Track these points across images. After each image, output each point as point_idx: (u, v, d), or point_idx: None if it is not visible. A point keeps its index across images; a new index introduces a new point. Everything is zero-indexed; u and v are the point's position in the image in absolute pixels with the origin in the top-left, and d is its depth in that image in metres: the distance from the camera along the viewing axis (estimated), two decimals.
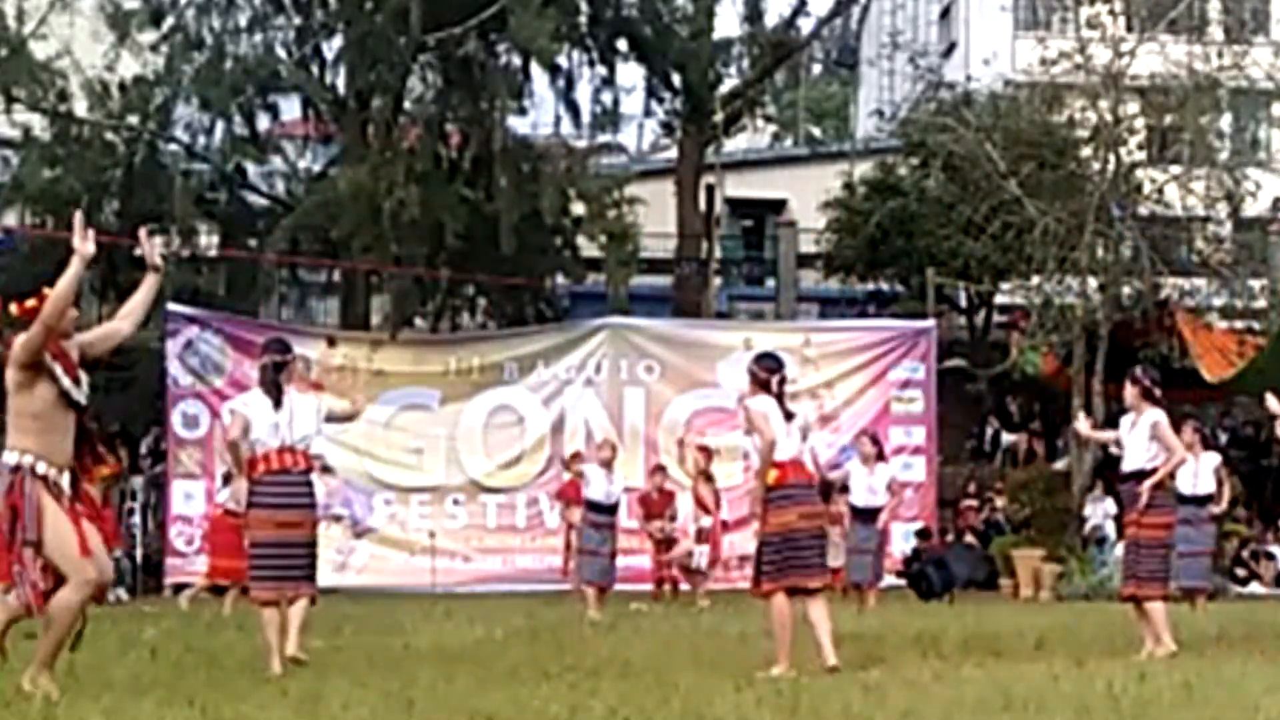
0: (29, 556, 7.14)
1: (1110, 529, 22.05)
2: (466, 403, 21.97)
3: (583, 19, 26.35)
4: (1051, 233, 22.46)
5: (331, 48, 25.73)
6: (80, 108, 25.29)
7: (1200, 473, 15.61)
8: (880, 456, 17.60)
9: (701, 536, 17.90)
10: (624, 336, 22.10)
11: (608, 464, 17.01)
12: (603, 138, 29.06)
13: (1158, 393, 10.78)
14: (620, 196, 25.63)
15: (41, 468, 7.18)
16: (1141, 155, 23.96)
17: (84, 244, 7.37)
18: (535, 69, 25.84)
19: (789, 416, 9.17)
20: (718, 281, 31.37)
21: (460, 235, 22.87)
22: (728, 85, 29.20)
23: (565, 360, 22.02)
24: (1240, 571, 20.87)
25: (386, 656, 9.82)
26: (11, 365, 7.29)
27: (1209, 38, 24.56)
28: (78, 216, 7.54)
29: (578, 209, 25.29)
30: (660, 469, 19.55)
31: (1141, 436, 10.52)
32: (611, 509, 16.85)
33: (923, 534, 20.73)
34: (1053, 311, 22.77)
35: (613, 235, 24.84)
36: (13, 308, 7.49)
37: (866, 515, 17.10)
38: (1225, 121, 25.26)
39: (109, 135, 25.50)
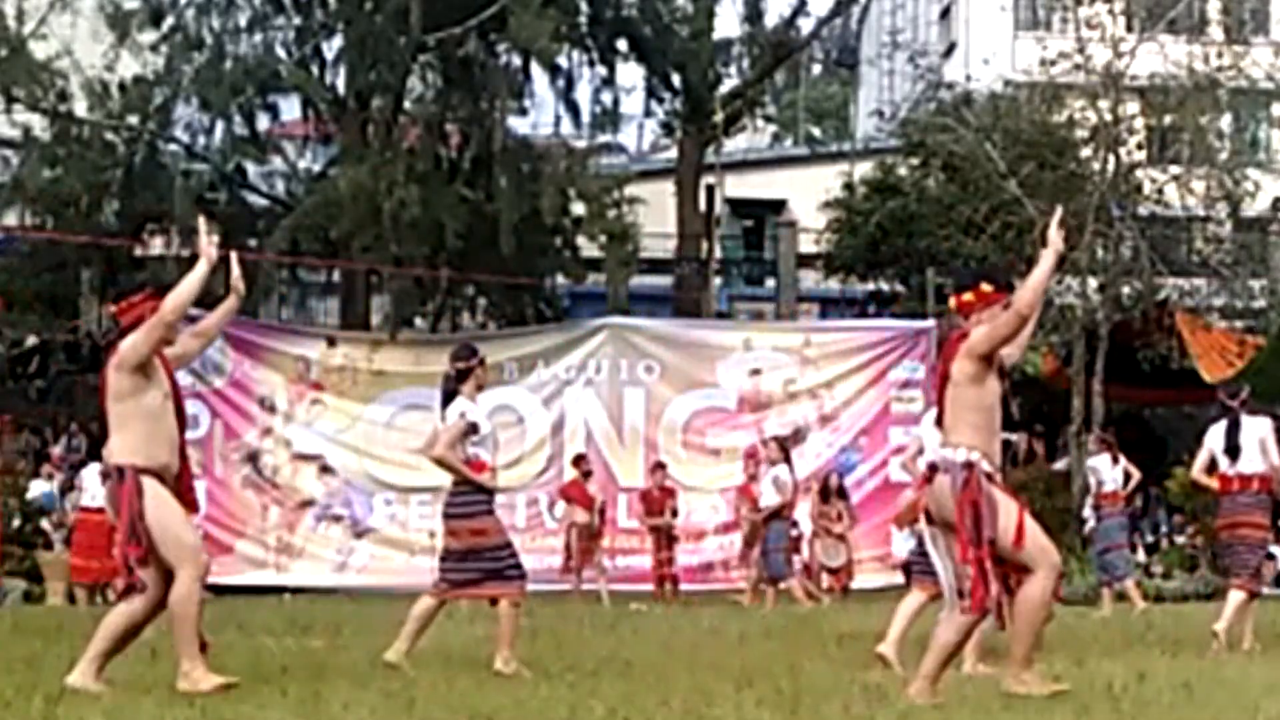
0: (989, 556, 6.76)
1: None
2: None
3: (583, 19, 26.38)
4: None
5: (331, 48, 25.78)
6: (80, 108, 25.30)
7: (1118, 476, 16.56)
8: (787, 460, 17.78)
9: None
10: (624, 336, 22.08)
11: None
12: (603, 138, 29.09)
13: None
14: (620, 196, 25.66)
15: (986, 465, 6.85)
16: (1141, 155, 23.95)
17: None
18: (535, 69, 25.87)
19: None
20: (718, 281, 31.38)
21: (460, 235, 22.88)
22: (728, 85, 29.22)
23: (565, 360, 22.00)
24: None
25: None
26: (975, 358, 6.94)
27: (1209, 38, 24.57)
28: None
29: (578, 209, 25.31)
30: (660, 466, 19.55)
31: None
32: None
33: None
34: (1053, 311, 22.76)
35: (613, 235, 24.86)
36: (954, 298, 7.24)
37: (774, 515, 17.40)
38: (1225, 121, 25.25)
39: (109, 135, 25.51)
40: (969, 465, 6.80)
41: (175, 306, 7.43)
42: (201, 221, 8.07)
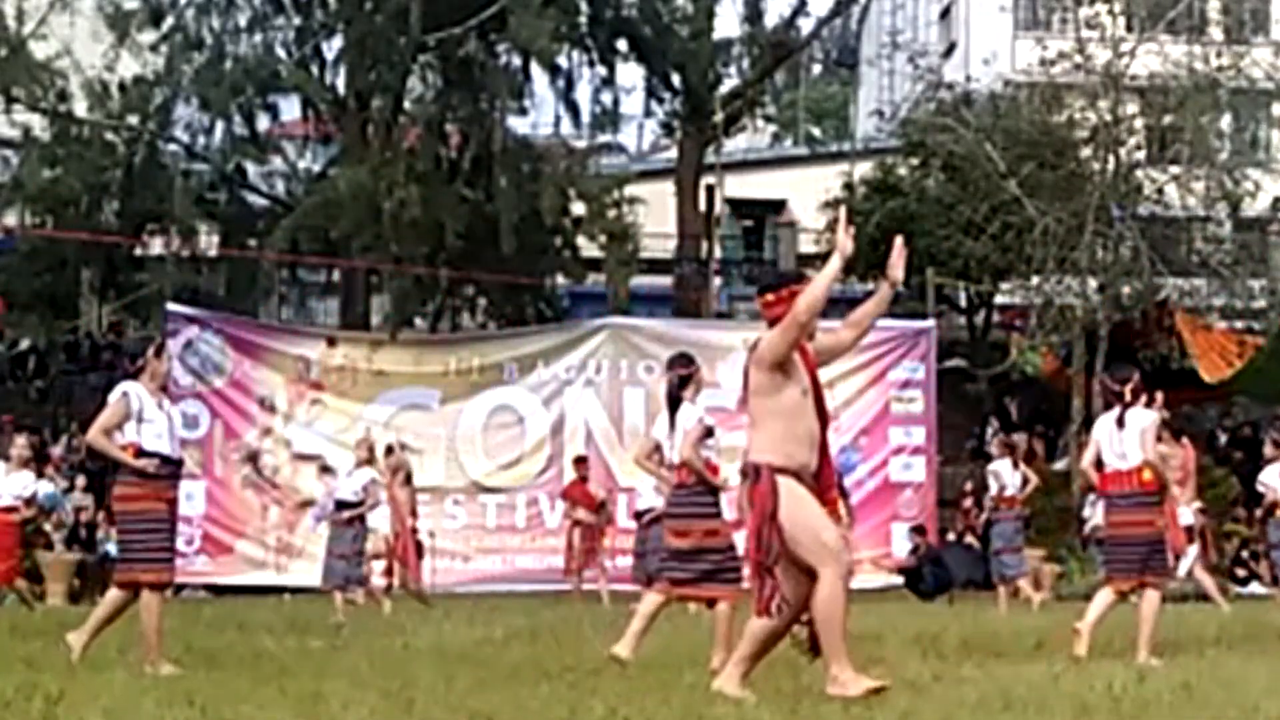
0: None
1: None
2: (466, 403, 21.96)
3: (583, 19, 26.37)
4: (1051, 233, 22.47)
5: (331, 48, 25.79)
6: (80, 108, 25.31)
7: (1017, 480, 17.03)
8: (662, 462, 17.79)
9: None
10: (624, 336, 22.09)
11: (361, 464, 16.70)
12: (603, 138, 29.09)
13: None
14: (620, 196, 25.66)
15: None
16: (1141, 155, 23.97)
17: None
18: (535, 69, 25.87)
19: (1121, 424, 9.67)
20: (718, 281, 31.38)
21: (460, 235, 22.89)
22: (728, 85, 29.22)
23: (565, 360, 22.00)
24: (1240, 571, 20.87)
25: (386, 656, 9.82)
26: None
27: (1209, 38, 24.58)
28: None
29: (578, 209, 25.30)
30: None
31: None
32: (356, 506, 16.59)
33: (918, 530, 20.75)
34: (1053, 311, 22.77)
35: (613, 235, 24.88)
36: None
37: (656, 518, 17.44)
38: (1225, 121, 25.27)
39: (109, 135, 25.52)
40: None
41: (808, 307, 7.00)
42: (843, 211, 7.58)
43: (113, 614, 9.07)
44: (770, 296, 7.23)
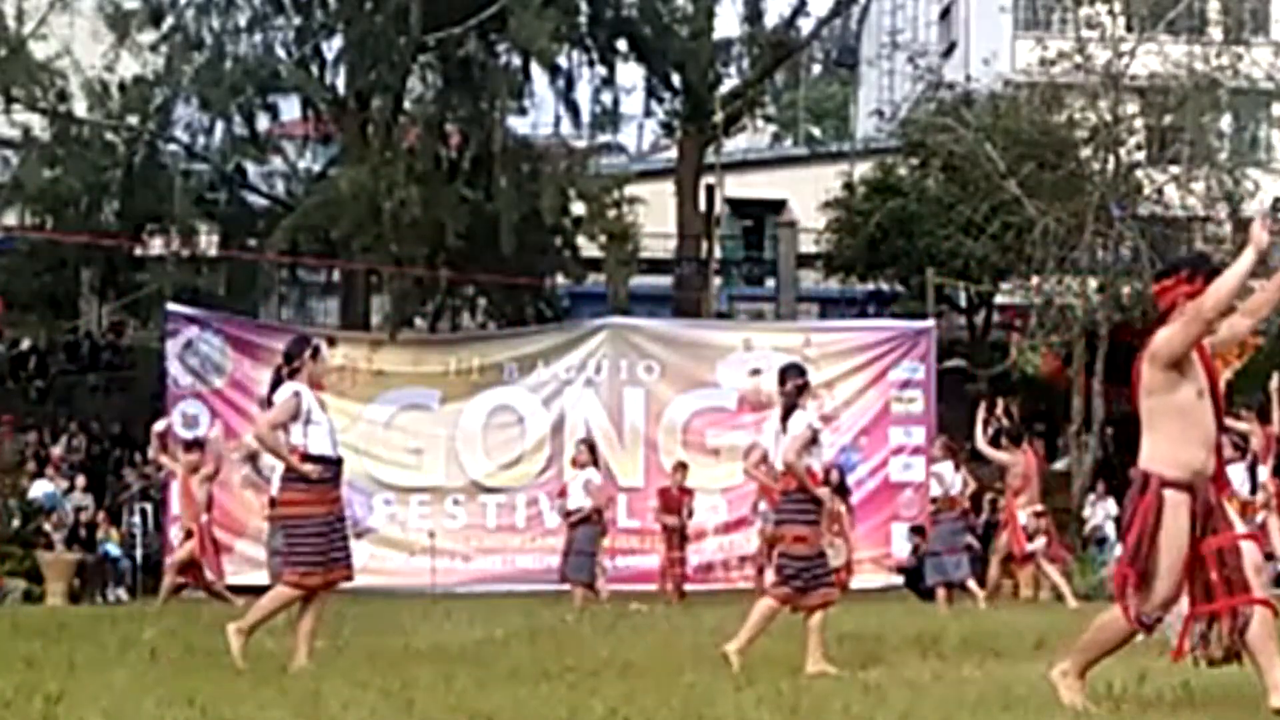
0: None
1: (1110, 529, 22.03)
2: (466, 403, 21.96)
3: (583, 19, 26.36)
4: (1051, 233, 22.48)
5: (331, 48, 25.76)
6: (80, 108, 25.27)
7: (958, 482, 17.49)
8: (595, 463, 17.90)
9: None
10: (624, 336, 22.08)
11: None
12: (603, 138, 29.07)
13: None
14: (620, 196, 25.66)
15: None
16: (1141, 155, 23.99)
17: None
18: (535, 69, 25.85)
19: None
20: (718, 281, 31.39)
21: (460, 235, 22.88)
22: (728, 85, 29.21)
23: (565, 360, 22.00)
24: None
25: (386, 656, 9.82)
26: None
27: (1208, 38, 24.60)
28: None
29: (578, 209, 25.30)
30: (682, 466, 19.58)
31: None
32: None
33: (917, 530, 20.76)
34: (1053, 311, 22.78)
35: (613, 235, 24.88)
36: None
37: (584, 519, 17.45)
38: (1225, 121, 25.28)
39: (109, 135, 25.48)
40: None
41: (1215, 304, 6.62)
42: (1267, 212, 7.43)
43: (277, 609, 9.27)
44: (1167, 281, 6.95)
